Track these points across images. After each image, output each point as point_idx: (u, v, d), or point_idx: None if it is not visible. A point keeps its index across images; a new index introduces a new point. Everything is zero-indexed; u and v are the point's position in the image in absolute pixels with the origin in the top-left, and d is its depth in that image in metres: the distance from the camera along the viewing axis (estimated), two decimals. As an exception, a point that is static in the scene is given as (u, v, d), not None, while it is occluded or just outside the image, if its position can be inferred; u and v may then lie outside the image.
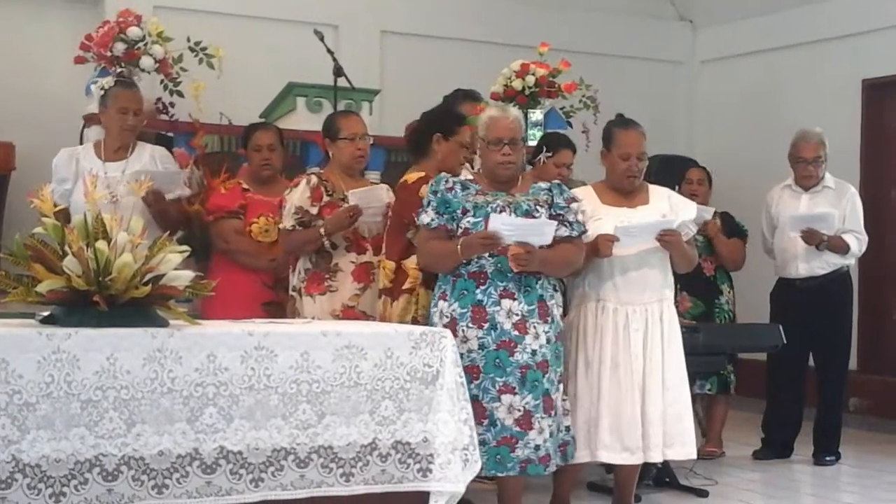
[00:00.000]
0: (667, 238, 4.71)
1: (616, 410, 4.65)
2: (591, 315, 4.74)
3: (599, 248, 4.60)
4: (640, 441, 4.66)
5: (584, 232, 4.55)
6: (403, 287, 4.74)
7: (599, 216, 4.71)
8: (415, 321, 4.61)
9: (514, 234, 4.29)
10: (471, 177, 4.54)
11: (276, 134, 5.58)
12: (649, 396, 4.69)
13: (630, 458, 4.69)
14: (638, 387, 4.68)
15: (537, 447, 4.36)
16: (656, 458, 4.73)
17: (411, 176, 4.82)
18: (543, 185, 4.61)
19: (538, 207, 4.48)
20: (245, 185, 5.45)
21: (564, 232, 4.50)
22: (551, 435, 4.42)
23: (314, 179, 4.96)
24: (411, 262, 4.71)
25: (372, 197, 4.88)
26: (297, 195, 4.93)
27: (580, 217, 4.55)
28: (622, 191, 4.83)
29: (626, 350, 4.69)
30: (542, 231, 4.35)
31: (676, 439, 4.74)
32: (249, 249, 5.34)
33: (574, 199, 4.59)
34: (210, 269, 5.41)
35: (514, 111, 4.61)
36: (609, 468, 5.20)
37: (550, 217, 4.46)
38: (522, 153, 4.62)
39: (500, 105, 4.68)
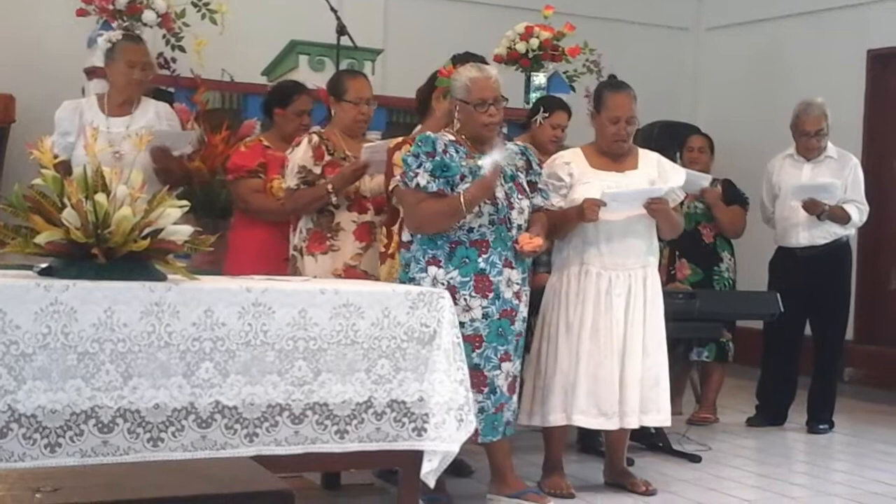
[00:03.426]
0: (654, 206, 4.69)
1: (594, 375, 4.66)
2: (573, 279, 4.73)
3: (585, 213, 4.57)
4: (617, 406, 4.67)
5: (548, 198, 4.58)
6: (388, 252, 4.75)
7: (587, 180, 4.69)
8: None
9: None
10: (452, 138, 4.44)
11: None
12: (628, 362, 4.70)
13: (605, 424, 4.71)
14: (618, 352, 4.68)
15: (515, 410, 4.51)
16: (632, 423, 4.74)
17: (391, 142, 4.81)
18: (514, 147, 4.58)
19: (518, 172, 4.47)
20: (266, 143, 5.36)
21: (540, 201, 4.52)
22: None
23: (315, 139, 4.94)
24: (397, 227, 4.71)
25: (382, 155, 4.85)
26: (300, 154, 4.91)
27: (557, 182, 4.62)
28: (611, 154, 4.81)
29: (608, 315, 4.68)
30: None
31: (652, 405, 4.75)
32: (269, 207, 5.21)
33: (541, 164, 4.62)
34: (232, 225, 5.41)
35: (493, 69, 4.52)
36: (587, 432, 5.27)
37: (528, 184, 4.48)
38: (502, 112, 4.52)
39: (476, 65, 4.56)
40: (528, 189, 4.47)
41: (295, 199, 4.93)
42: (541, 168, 4.58)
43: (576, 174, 4.71)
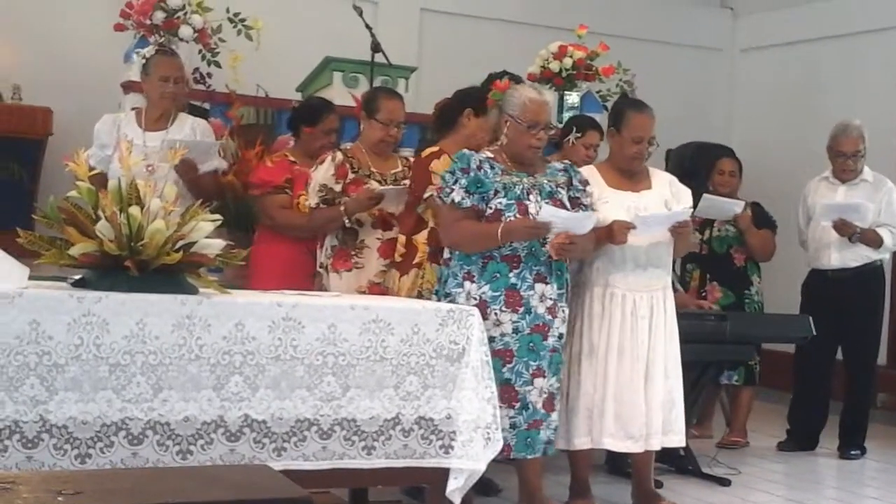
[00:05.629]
0: (680, 230, 4.70)
1: (621, 398, 4.64)
2: (597, 301, 4.71)
3: (615, 235, 4.56)
4: (644, 429, 4.66)
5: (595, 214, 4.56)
6: (413, 262, 4.76)
7: (606, 199, 4.68)
8: (419, 295, 4.64)
9: (558, 226, 4.29)
10: (491, 154, 4.50)
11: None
12: (652, 384, 4.68)
13: (633, 447, 4.69)
14: (642, 374, 4.67)
15: (556, 428, 4.47)
16: (655, 445, 4.73)
17: (425, 151, 4.84)
18: (558, 165, 4.62)
19: (559, 189, 4.49)
20: (292, 158, 5.37)
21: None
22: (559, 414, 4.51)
23: (339, 156, 4.97)
24: (421, 237, 4.73)
25: (402, 198, 4.89)
26: (322, 173, 4.94)
27: (593, 200, 4.61)
28: (626, 173, 4.81)
29: (633, 337, 4.67)
30: (584, 225, 4.36)
31: (670, 427, 4.75)
32: (295, 223, 5.19)
33: (587, 182, 4.62)
34: (255, 240, 5.42)
35: (549, 95, 4.61)
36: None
37: (569, 200, 4.48)
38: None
39: (535, 86, 4.61)
40: (568, 205, 4.47)
41: (314, 217, 4.97)
42: (583, 186, 4.58)
43: (595, 193, 4.71)
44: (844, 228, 6.20)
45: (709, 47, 9.65)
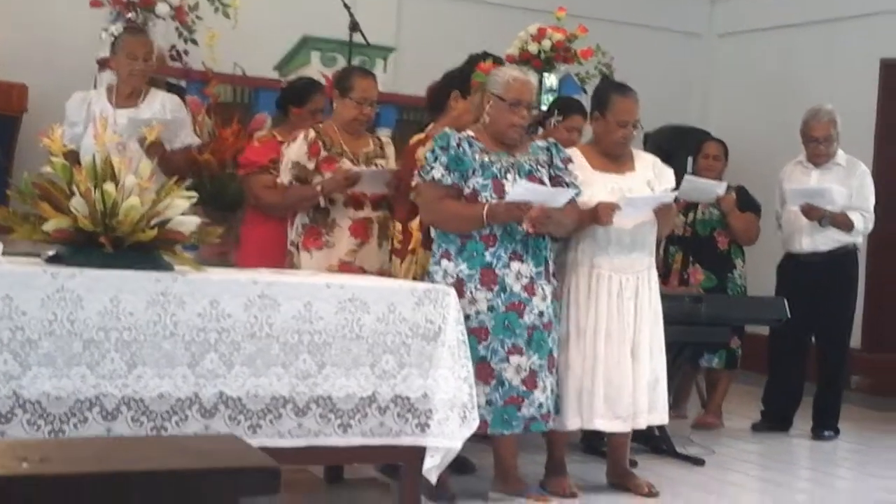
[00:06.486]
0: (664, 211, 4.73)
1: (609, 379, 4.66)
2: (583, 281, 4.71)
3: (600, 216, 4.56)
4: (631, 408, 4.69)
5: (579, 193, 4.55)
6: (409, 248, 4.76)
7: (591, 182, 4.67)
8: (414, 279, 4.63)
9: (532, 201, 4.29)
10: (472, 133, 4.49)
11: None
12: (638, 364, 4.70)
13: (621, 426, 4.72)
14: (629, 355, 4.69)
15: (541, 405, 4.45)
16: (641, 424, 4.76)
17: (413, 139, 4.84)
18: (541, 143, 4.62)
19: (539, 167, 4.50)
20: (280, 138, 5.29)
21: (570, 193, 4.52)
22: (552, 392, 4.49)
23: (311, 134, 4.94)
24: (415, 224, 4.72)
25: (378, 180, 4.88)
26: (294, 150, 4.91)
27: (575, 178, 4.58)
28: (611, 156, 4.82)
29: (620, 318, 4.68)
30: (557, 199, 4.36)
31: (655, 405, 4.78)
32: (276, 202, 5.12)
33: (570, 160, 4.61)
34: (244, 220, 5.40)
35: (534, 76, 4.62)
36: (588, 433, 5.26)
37: (550, 178, 4.48)
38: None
39: (519, 67, 4.63)
40: (548, 183, 4.47)
41: (286, 195, 4.95)
42: (564, 164, 4.59)
43: (580, 176, 4.71)
44: (811, 213, 6.21)
45: (687, 32, 9.68)
